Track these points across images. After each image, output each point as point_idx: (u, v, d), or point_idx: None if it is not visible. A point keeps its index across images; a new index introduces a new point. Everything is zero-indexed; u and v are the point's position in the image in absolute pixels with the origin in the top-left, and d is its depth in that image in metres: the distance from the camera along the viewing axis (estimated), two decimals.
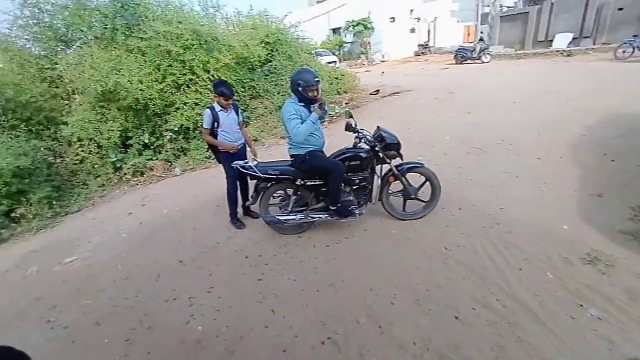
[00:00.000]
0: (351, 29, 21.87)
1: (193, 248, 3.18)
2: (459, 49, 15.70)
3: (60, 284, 2.96)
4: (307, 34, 8.71)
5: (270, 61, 7.34)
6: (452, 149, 4.66)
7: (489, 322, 1.94)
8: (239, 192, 3.37)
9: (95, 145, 5.28)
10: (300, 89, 2.58)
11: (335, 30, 24.56)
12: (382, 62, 21.21)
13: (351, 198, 2.90)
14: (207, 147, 3.99)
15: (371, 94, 9.01)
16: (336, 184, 2.76)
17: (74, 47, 5.94)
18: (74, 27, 5.61)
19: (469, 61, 14.84)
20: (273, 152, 5.58)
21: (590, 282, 2.12)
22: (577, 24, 14.36)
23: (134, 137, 5.54)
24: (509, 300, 2.07)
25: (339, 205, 2.83)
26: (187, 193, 4.56)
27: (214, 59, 5.82)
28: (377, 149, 2.82)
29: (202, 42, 5.66)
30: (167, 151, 5.69)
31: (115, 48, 5.49)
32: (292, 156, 2.84)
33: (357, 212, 2.90)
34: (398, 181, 2.95)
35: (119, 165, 5.39)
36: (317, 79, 2.58)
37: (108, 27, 5.45)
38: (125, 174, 5.33)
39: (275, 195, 3.07)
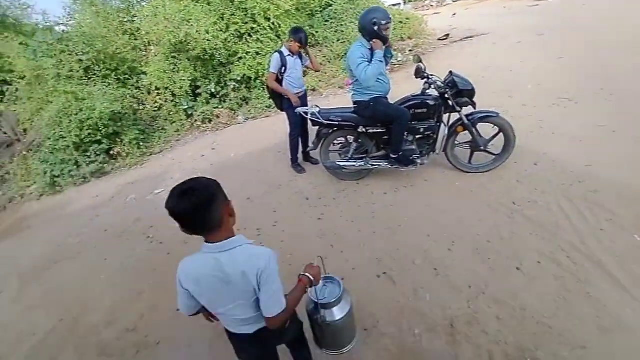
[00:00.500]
0: None
1: (258, 187, 3.47)
2: None
3: (153, 209, 3.52)
4: None
5: (330, 5, 6.96)
6: (534, 98, 4.10)
7: (555, 276, 1.87)
8: (300, 138, 3.50)
9: (170, 93, 5.81)
10: (375, 27, 2.45)
11: None
12: (455, 1, 18.56)
13: (413, 147, 2.82)
14: (267, 96, 4.11)
15: (439, 39, 8.09)
16: (399, 132, 2.69)
17: None
18: None
19: None
20: (331, 101, 5.53)
21: None
22: None
23: (202, 86, 5.92)
24: (582, 258, 1.94)
25: (400, 153, 2.79)
26: (250, 139, 4.86)
27: (274, 5, 5.73)
28: (447, 95, 2.63)
29: None
30: (231, 100, 6.01)
31: None
32: (355, 102, 2.80)
33: (418, 161, 2.83)
34: (466, 131, 2.77)
35: (190, 113, 5.91)
36: (390, 17, 2.44)
37: None
38: (196, 120, 5.85)
39: (335, 142, 3.12)
